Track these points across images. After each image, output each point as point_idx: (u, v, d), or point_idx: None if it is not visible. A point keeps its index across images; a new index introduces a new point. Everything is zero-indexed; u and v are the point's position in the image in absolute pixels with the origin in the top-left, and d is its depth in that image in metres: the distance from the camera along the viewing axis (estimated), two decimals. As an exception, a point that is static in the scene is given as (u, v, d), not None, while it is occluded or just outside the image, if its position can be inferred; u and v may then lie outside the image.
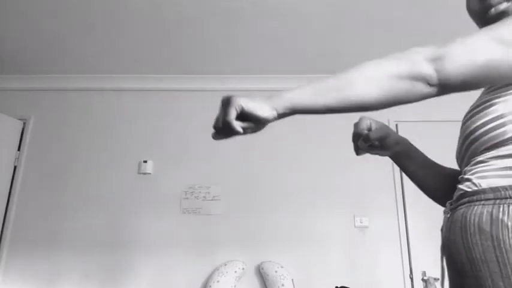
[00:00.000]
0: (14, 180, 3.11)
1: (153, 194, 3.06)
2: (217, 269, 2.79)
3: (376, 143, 1.08)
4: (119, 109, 3.32)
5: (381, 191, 3.03)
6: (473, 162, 0.79)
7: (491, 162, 0.75)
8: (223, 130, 0.75)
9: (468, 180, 0.78)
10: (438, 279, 2.74)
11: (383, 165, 3.06)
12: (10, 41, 2.90)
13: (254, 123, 0.75)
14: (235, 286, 2.75)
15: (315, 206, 3.00)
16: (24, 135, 3.23)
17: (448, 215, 0.81)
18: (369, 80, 0.72)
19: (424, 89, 0.72)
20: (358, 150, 1.12)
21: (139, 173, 3.12)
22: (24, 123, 3.26)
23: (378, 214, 2.98)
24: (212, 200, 3.03)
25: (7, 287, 2.88)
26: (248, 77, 3.32)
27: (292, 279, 2.71)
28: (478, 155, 0.78)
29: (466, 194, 0.76)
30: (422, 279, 2.80)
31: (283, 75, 3.28)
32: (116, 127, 3.26)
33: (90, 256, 2.91)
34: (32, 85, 3.37)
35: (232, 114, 0.72)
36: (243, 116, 0.74)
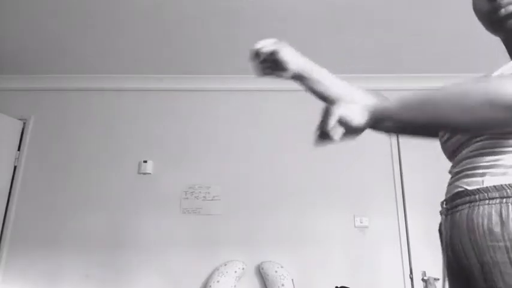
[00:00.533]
0: (14, 180, 3.10)
1: (153, 194, 3.06)
2: (217, 269, 2.79)
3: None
4: (119, 109, 3.32)
5: (381, 191, 3.03)
6: (473, 152, 0.76)
7: (491, 157, 0.72)
8: (322, 136, 0.77)
9: (467, 176, 0.75)
10: (438, 279, 2.74)
11: (383, 165, 3.06)
12: (10, 41, 2.90)
13: (349, 131, 0.76)
14: (235, 286, 2.75)
15: (315, 206, 3.00)
16: (24, 135, 3.23)
17: (447, 216, 0.79)
18: (461, 104, 0.66)
19: None
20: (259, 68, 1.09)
21: (139, 173, 3.12)
22: (24, 123, 3.26)
23: (378, 214, 2.98)
24: (212, 200, 3.03)
25: (7, 287, 2.88)
26: (248, 77, 3.31)
27: (292, 279, 2.71)
28: (480, 135, 0.75)
29: (465, 192, 0.74)
30: (422, 279, 2.80)
31: (283, 75, 3.27)
32: (116, 127, 3.26)
33: (90, 256, 2.91)
34: (32, 85, 3.37)
35: (331, 122, 0.74)
36: (340, 122, 0.75)
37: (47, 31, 2.78)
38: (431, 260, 2.84)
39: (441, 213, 0.84)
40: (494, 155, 0.72)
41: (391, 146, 3.14)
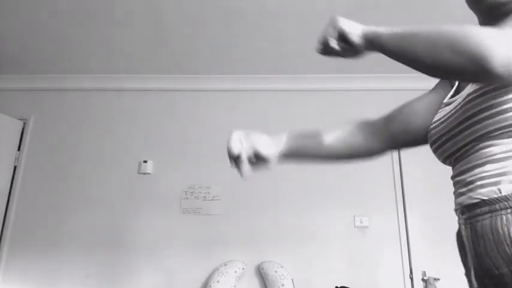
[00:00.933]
0: (14, 180, 3.11)
1: (153, 194, 3.06)
2: (217, 269, 2.79)
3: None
4: (119, 109, 3.32)
5: (381, 191, 3.03)
6: (483, 159, 0.75)
7: (504, 164, 0.72)
8: (324, 47, 0.85)
9: (481, 186, 0.74)
10: (438, 279, 2.74)
11: (383, 166, 3.06)
12: (10, 41, 2.90)
13: (348, 46, 0.82)
14: (235, 286, 2.75)
15: (315, 206, 3.00)
16: (24, 135, 3.23)
17: (466, 226, 0.78)
18: (429, 44, 0.69)
19: (481, 79, 0.69)
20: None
21: (139, 173, 3.12)
22: (24, 123, 3.26)
23: (378, 214, 2.98)
24: (212, 200, 3.03)
25: (7, 287, 2.88)
26: (248, 77, 3.32)
27: (292, 279, 2.71)
28: (485, 140, 0.74)
29: (483, 202, 0.73)
30: (422, 279, 2.80)
31: (283, 75, 3.27)
32: (116, 127, 3.26)
33: (90, 256, 2.91)
34: (32, 85, 3.37)
35: (332, 34, 0.82)
36: (340, 36, 0.82)
37: (47, 31, 2.78)
38: (431, 260, 2.84)
39: (459, 223, 0.83)
40: (506, 160, 0.72)
41: (391, 146, 3.14)
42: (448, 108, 0.86)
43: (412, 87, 3.15)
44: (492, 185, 0.72)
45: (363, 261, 2.88)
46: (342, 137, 1.04)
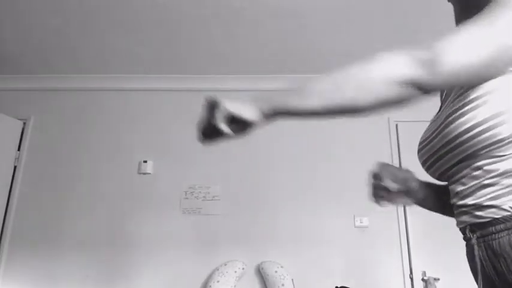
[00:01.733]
0: (14, 180, 3.10)
1: (153, 194, 3.06)
2: (217, 269, 2.79)
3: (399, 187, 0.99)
4: (119, 109, 3.32)
5: (381, 191, 3.03)
6: (478, 180, 0.74)
7: (503, 182, 0.71)
8: (210, 133, 0.75)
9: (490, 206, 0.73)
10: (438, 279, 2.74)
11: (383, 165, 3.06)
12: (10, 41, 2.90)
13: (240, 125, 0.75)
14: (235, 286, 2.75)
15: (315, 206, 3.00)
16: (24, 135, 3.23)
17: (479, 246, 0.77)
18: (357, 84, 0.69)
19: (416, 94, 0.69)
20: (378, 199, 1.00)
21: (139, 173, 3.12)
22: (24, 123, 3.26)
23: (378, 214, 2.98)
24: (212, 200, 3.03)
25: (7, 287, 2.88)
26: (248, 77, 3.32)
27: (292, 279, 2.71)
28: (473, 159, 0.74)
29: (496, 221, 0.72)
30: (422, 279, 2.80)
31: (283, 75, 3.28)
32: (116, 127, 3.26)
33: (90, 256, 2.91)
34: (32, 85, 3.37)
35: (220, 117, 0.72)
36: (228, 118, 0.73)
37: (47, 31, 2.78)
38: (431, 260, 2.84)
39: (467, 241, 0.82)
40: (505, 178, 0.72)
41: (391, 146, 3.15)
42: (432, 127, 0.85)
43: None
44: (501, 204, 0.72)
45: (363, 261, 2.88)
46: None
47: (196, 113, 3.45)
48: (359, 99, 0.70)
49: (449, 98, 0.83)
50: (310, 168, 3.10)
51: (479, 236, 0.76)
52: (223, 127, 0.73)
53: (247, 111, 0.73)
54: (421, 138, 0.91)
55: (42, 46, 2.96)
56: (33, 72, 3.32)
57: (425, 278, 2.78)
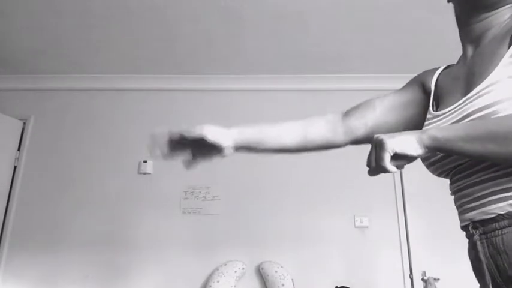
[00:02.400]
0: (14, 180, 3.11)
1: (153, 194, 3.06)
2: (217, 269, 2.79)
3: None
4: (119, 109, 3.32)
5: (381, 191, 3.03)
6: (487, 175, 0.75)
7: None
8: (377, 170, 0.76)
9: (496, 201, 0.74)
10: (438, 279, 2.74)
11: (383, 165, 3.06)
12: (10, 41, 2.90)
13: (406, 160, 0.75)
14: (235, 286, 2.75)
15: (315, 206, 3.00)
16: (24, 135, 3.23)
17: (481, 242, 0.77)
18: None
19: None
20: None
21: (139, 173, 3.12)
22: (24, 123, 3.26)
23: (378, 214, 2.98)
24: (212, 200, 3.03)
25: (7, 287, 2.88)
26: (248, 77, 3.32)
27: (292, 279, 2.71)
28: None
29: (500, 217, 0.73)
30: (422, 279, 2.80)
31: (283, 75, 3.28)
32: (116, 127, 3.26)
33: (90, 256, 2.91)
34: (32, 85, 3.37)
35: (387, 158, 0.72)
36: (395, 155, 0.74)
37: (47, 31, 2.78)
38: (431, 260, 2.84)
39: (469, 238, 0.82)
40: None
41: (391, 146, 3.14)
42: (441, 123, 0.85)
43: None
44: (506, 200, 0.72)
45: (363, 261, 2.88)
46: (303, 127, 1.09)
47: (196, 112, 3.46)
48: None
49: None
50: (311, 168, 3.10)
51: (482, 233, 0.77)
52: (390, 167, 0.73)
53: (411, 148, 0.73)
54: None
55: (42, 46, 2.96)
56: (33, 72, 3.32)
57: (425, 278, 2.78)
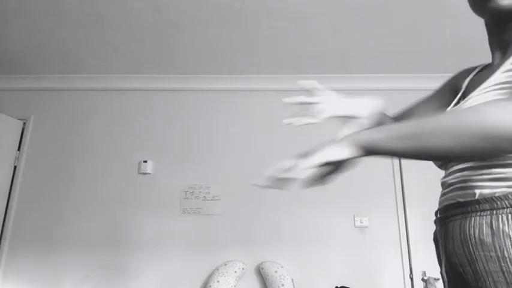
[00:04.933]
0: (14, 180, 3.11)
1: (153, 194, 3.06)
2: (217, 269, 2.79)
3: None
4: (119, 109, 3.32)
5: (381, 191, 3.03)
6: (463, 165, 0.78)
7: (483, 171, 0.74)
8: (312, 180, 0.76)
9: (460, 188, 0.77)
10: (438, 279, 2.74)
11: (383, 165, 3.06)
12: (10, 41, 2.90)
13: (338, 165, 0.75)
14: (235, 286, 2.75)
15: (315, 206, 3.00)
16: (24, 135, 3.23)
17: (441, 226, 0.81)
18: (455, 135, 0.65)
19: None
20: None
21: (139, 173, 3.12)
22: (24, 123, 3.26)
23: (378, 214, 2.98)
24: (212, 200, 3.03)
25: (7, 287, 2.88)
26: (248, 77, 3.32)
27: (292, 279, 2.71)
28: None
29: (458, 204, 0.76)
30: (422, 279, 2.80)
31: (283, 75, 3.27)
32: (116, 127, 3.26)
33: (90, 256, 2.91)
34: (32, 85, 3.37)
35: (308, 171, 0.73)
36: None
37: (47, 31, 2.78)
38: (431, 260, 2.84)
39: (435, 222, 0.87)
40: (486, 168, 0.74)
41: (391, 146, 3.14)
42: None
43: (412, 87, 3.16)
44: (469, 189, 0.75)
45: (363, 261, 2.88)
46: None
47: (196, 112, 3.46)
48: (451, 150, 0.66)
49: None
50: (310, 168, 3.09)
51: (442, 217, 0.82)
52: (314, 182, 0.74)
53: (340, 153, 0.72)
54: None
55: (42, 46, 2.96)
56: (33, 72, 3.32)
57: (425, 278, 2.78)
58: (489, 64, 0.93)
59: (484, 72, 0.92)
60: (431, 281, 2.73)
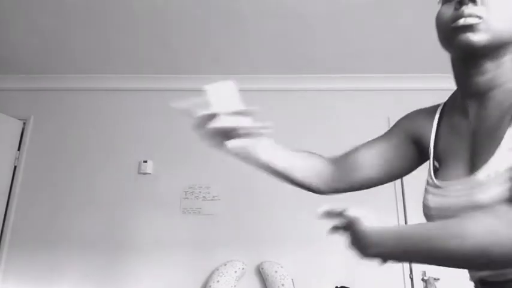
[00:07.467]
0: (14, 180, 3.10)
1: (153, 194, 3.06)
2: (217, 269, 2.79)
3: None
4: (119, 109, 3.32)
5: (381, 191, 3.01)
6: None
7: None
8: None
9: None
10: (438, 279, 2.74)
11: (383, 165, 3.06)
12: (10, 41, 2.90)
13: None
14: (235, 286, 2.75)
15: (315, 205, 2.98)
16: (24, 135, 3.23)
17: None
18: (484, 254, 0.61)
19: None
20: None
21: (139, 173, 3.12)
22: (24, 123, 3.26)
23: (377, 214, 2.97)
24: (212, 200, 3.03)
25: (7, 287, 2.88)
26: (248, 77, 3.32)
27: (292, 279, 2.71)
28: None
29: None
30: (422, 279, 2.80)
31: (284, 75, 3.27)
32: (116, 127, 3.26)
33: (90, 256, 2.91)
34: (32, 85, 3.37)
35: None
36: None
37: (47, 31, 2.78)
38: (431, 260, 2.84)
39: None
40: None
41: (391, 146, 3.14)
42: (444, 200, 0.82)
43: (413, 87, 3.16)
44: None
45: (363, 261, 2.87)
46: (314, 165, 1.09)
47: (196, 112, 3.40)
48: (460, 263, 0.67)
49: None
50: (310, 168, 3.09)
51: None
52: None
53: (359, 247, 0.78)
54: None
55: (42, 46, 2.96)
56: (33, 72, 3.32)
57: (425, 278, 2.78)
58: (456, 104, 0.84)
59: (458, 118, 0.82)
60: (431, 281, 2.73)
